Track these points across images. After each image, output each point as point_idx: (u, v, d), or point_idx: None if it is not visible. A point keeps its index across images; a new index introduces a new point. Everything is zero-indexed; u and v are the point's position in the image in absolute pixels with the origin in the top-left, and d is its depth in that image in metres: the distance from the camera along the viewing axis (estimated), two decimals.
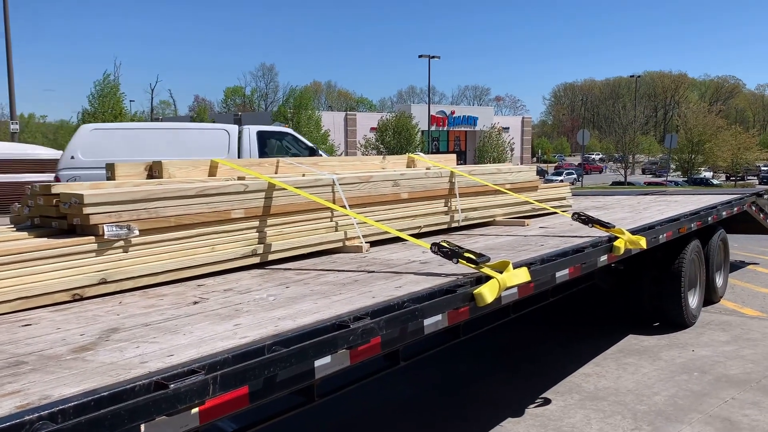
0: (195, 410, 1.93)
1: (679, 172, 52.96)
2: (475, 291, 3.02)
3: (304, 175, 4.45)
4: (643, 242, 4.70)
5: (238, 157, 11.11)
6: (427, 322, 2.84)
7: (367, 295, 2.90)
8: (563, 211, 5.95)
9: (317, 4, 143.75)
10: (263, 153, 11.55)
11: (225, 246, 3.61)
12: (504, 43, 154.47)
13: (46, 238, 3.06)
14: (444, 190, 5.19)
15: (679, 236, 5.84)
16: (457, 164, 6.23)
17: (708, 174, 53.61)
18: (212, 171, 4.36)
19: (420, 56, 46.39)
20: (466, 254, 3.25)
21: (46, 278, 2.87)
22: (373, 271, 3.50)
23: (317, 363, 2.34)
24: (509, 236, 4.85)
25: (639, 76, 77.74)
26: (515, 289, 3.38)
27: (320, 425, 4.36)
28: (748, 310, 7.31)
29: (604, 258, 4.43)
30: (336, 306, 2.69)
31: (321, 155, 11.94)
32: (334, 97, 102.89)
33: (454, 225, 5.21)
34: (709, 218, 6.64)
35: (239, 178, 4.05)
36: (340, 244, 4.24)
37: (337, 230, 4.26)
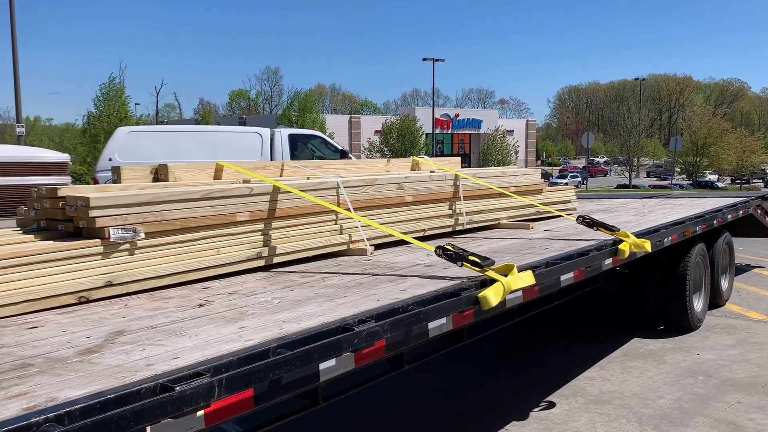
0: (200, 413, 1.93)
1: (683, 175, 52.82)
2: (480, 294, 3.02)
3: (308, 178, 4.46)
4: (648, 245, 4.70)
5: (271, 159, 11.34)
6: (431, 325, 2.84)
7: (371, 298, 2.90)
8: (568, 214, 5.94)
9: (322, 7, 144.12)
10: (294, 155, 11.80)
11: (230, 249, 3.61)
12: (508, 45, 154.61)
13: (52, 241, 3.07)
14: (448, 193, 5.19)
15: (684, 239, 5.83)
16: (462, 167, 6.24)
17: (713, 177, 53.45)
18: (217, 174, 4.37)
19: (424, 59, 46.47)
20: (471, 257, 3.25)
21: (52, 281, 2.88)
22: (377, 274, 3.50)
23: (322, 366, 2.35)
24: (514, 239, 4.85)
25: (644, 79, 77.67)
26: (520, 293, 3.38)
27: (325, 428, 4.36)
28: (753, 314, 7.29)
29: (608, 261, 4.42)
30: (341, 309, 2.70)
31: (351, 158, 12.07)
32: (339, 100, 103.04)
33: (458, 228, 5.21)
34: (715, 221, 6.63)
35: (244, 182, 4.06)
36: (344, 247, 4.24)
37: (341, 233, 4.27)
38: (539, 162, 77.21)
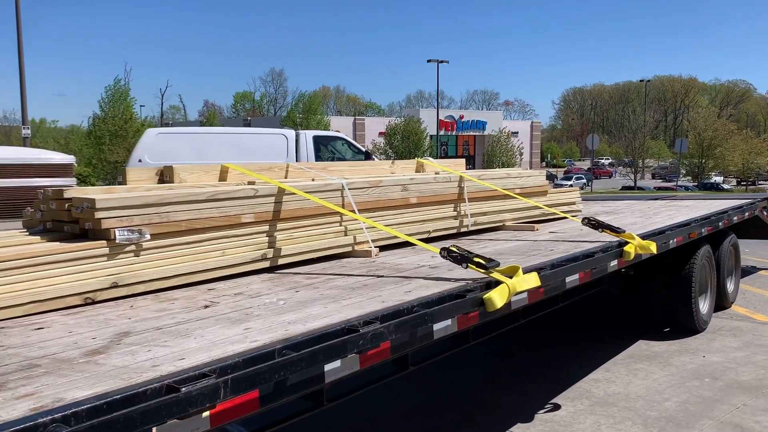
0: (206, 414, 1.94)
1: (689, 177, 52.69)
2: (485, 296, 3.02)
3: (313, 180, 4.46)
4: (653, 247, 4.69)
5: (297, 160, 11.54)
6: (436, 326, 2.84)
7: (376, 299, 2.90)
8: (573, 216, 5.94)
9: (326, 9, 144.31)
10: (318, 156, 12.03)
11: (235, 250, 3.62)
12: (513, 47, 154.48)
13: (58, 242, 3.08)
14: (453, 194, 5.19)
15: (689, 241, 5.82)
16: (466, 169, 6.23)
17: (718, 179, 53.29)
18: (222, 176, 4.38)
19: (429, 61, 46.53)
20: (476, 259, 3.25)
21: (58, 282, 2.89)
22: (382, 276, 3.50)
23: (327, 367, 2.35)
24: (519, 241, 4.84)
25: (649, 81, 77.58)
26: (525, 294, 3.37)
27: (330, 429, 4.36)
28: (759, 316, 7.26)
29: (614, 263, 4.42)
30: (346, 310, 2.70)
31: (374, 159, 12.22)
32: (343, 102, 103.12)
33: (463, 230, 5.21)
34: (720, 223, 6.61)
35: (249, 183, 4.07)
36: (349, 249, 4.25)
37: (346, 235, 4.27)
38: (544, 164, 77.13)
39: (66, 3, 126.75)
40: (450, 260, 3.38)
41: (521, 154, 50.65)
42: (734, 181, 54.91)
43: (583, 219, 4.98)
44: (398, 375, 3.21)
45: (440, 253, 3.42)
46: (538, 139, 65.89)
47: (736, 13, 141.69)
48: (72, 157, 10.39)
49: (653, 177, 66.96)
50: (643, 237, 4.77)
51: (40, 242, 3.10)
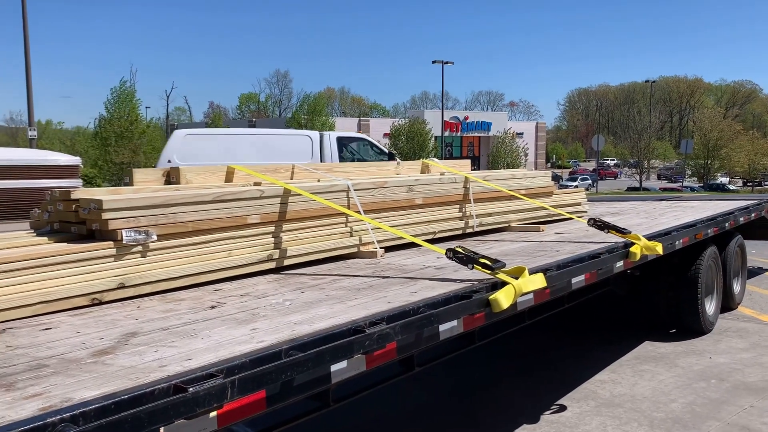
0: (213, 414, 1.94)
1: (694, 178, 52.52)
2: (491, 297, 3.02)
3: (319, 181, 4.47)
4: (659, 248, 4.68)
5: (321, 161, 11.78)
6: (442, 327, 2.84)
7: (382, 300, 2.90)
8: (579, 217, 5.92)
9: (331, 11, 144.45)
10: (341, 157, 12.26)
11: (241, 251, 3.63)
12: (518, 48, 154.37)
13: (65, 243, 3.10)
14: (458, 195, 5.19)
15: (695, 242, 5.80)
16: (471, 170, 6.23)
17: (724, 179, 53.10)
18: (228, 177, 4.39)
19: (433, 62, 46.65)
20: (482, 260, 3.25)
21: (65, 283, 2.91)
22: (388, 277, 3.50)
23: (333, 368, 2.35)
24: (524, 242, 4.84)
25: (654, 81, 77.37)
26: (531, 295, 3.37)
27: (336, 430, 4.36)
28: (766, 317, 7.23)
29: (620, 264, 4.41)
30: (352, 311, 2.70)
31: (397, 160, 12.35)
32: (348, 103, 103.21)
33: (468, 231, 5.21)
34: (726, 224, 6.59)
35: (255, 184, 4.08)
36: (354, 250, 4.25)
37: (351, 235, 4.27)
38: (549, 164, 76.98)
39: (71, 4, 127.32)
40: (456, 261, 3.38)
41: (526, 155, 50.56)
42: (740, 182, 54.71)
43: (589, 220, 4.97)
44: (404, 376, 3.21)
45: (446, 253, 3.42)
46: (543, 140, 65.81)
47: (741, 13, 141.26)
48: (78, 158, 10.43)
49: (659, 178, 66.78)
50: (649, 238, 4.76)
51: (48, 243, 3.11)
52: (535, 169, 48.26)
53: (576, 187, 29.55)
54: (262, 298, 3.06)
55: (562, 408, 4.70)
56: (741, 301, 7.69)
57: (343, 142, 12.72)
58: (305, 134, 12.81)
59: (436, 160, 6.30)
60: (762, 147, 49.42)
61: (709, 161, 50.27)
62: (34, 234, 3.38)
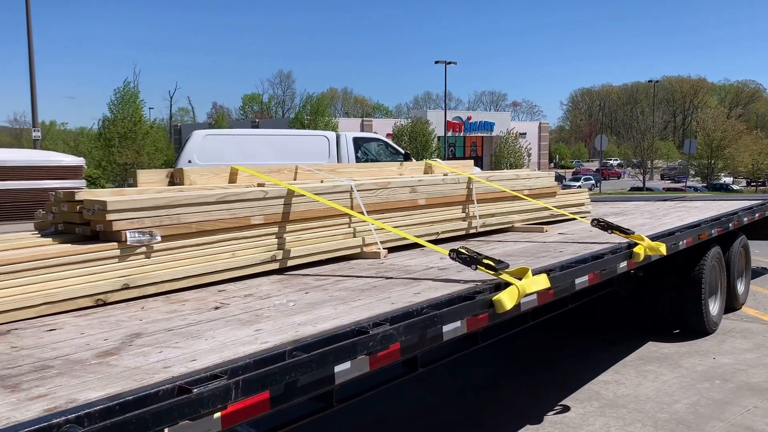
0: (217, 415, 1.95)
1: (698, 178, 52.41)
2: (495, 298, 3.02)
3: (322, 182, 4.48)
4: (662, 249, 4.67)
5: (338, 161, 11.97)
6: (446, 328, 2.84)
7: (386, 301, 2.91)
8: (582, 217, 5.92)
9: (333, 11, 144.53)
10: (357, 157, 12.44)
11: (245, 252, 3.64)
12: (521, 48, 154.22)
13: (69, 244, 3.10)
14: (462, 196, 5.19)
15: (699, 242, 5.79)
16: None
17: (728, 179, 52.99)
18: (232, 177, 4.40)
19: (436, 62, 46.50)
20: (485, 261, 3.25)
21: (69, 284, 2.92)
22: (391, 277, 3.51)
23: (337, 369, 2.35)
24: (528, 242, 4.84)
25: (657, 81, 77.24)
26: (534, 296, 3.37)
27: (340, 430, 4.37)
28: None
29: (623, 264, 4.40)
30: (355, 312, 2.71)
31: (412, 160, 12.51)
32: (351, 104, 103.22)
33: (472, 231, 5.21)
34: (730, 224, 6.57)
35: (259, 185, 4.09)
36: (358, 250, 4.25)
37: (355, 236, 4.28)
38: (552, 165, 76.92)
39: (75, 5, 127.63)
40: (459, 262, 3.38)
41: (529, 155, 50.53)
42: (744, 182, 54.60)
43: (592, 220, 4.96)
44: (408, 376, 3.21)
45: (449, 254, 3.42)
46: (546, 140, 65.75)
47: (744, 12, 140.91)
48: (82, 159, 10.46)
49: (662, 178, 66.69)
50: (653, 238, 4.75)
51: (52, 244, 3.12)
52: (538, 169, 48.19)
53: (579, 187, 29.50)
54: (266, 298, 3.06)
55: (566, 408, 4.69)
56: (745, 302, 7.67)
57: (359, 143, 12.90)
58: (322, 135, 12.97)
59: (439, 160, 6.31)
60: (766, 147, 49.30)
61: (712, 161, 50.17)
62: (39, 235, 3.39)
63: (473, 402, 4.98)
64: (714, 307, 6.57)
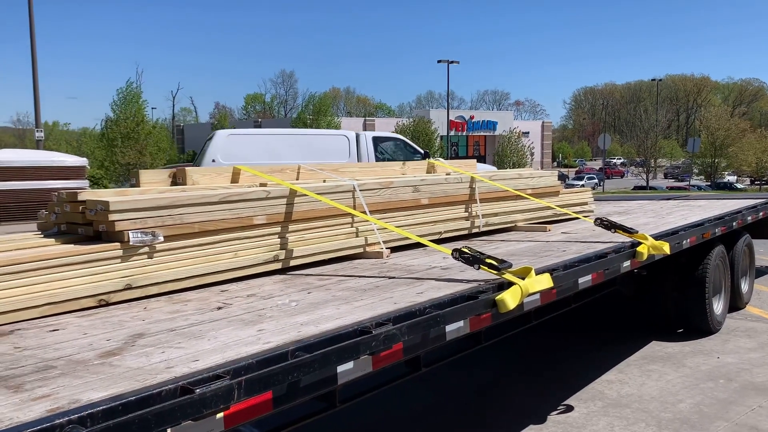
0: (220, 415, 1.94)
1: (702, 177, 52.29)
2: (498, 297, 3.01)
3: (325, 181, 4.47)
4: (666, 248, 4.66)
5: (358, 160, 12.13)
6: (449, 328, 2.83)
7: (388, 300, 2.90)
8: (585, 217, 5.91)
9: (335, 10, 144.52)
10: (377, 156, 12.60)
11: (247, 252, 3.63)
12: (523, 47, 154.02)
13: (72, 245, 3.11)
14: (464, 195, 5.18)
15: (703, 241, 5.77)
16: (477, 169, 6.21)
17: (732, 178, 52.84)
18: (234, 177, 4.40)
19: (439, 61, 46.45)
20: (488, 260, 3.24)
21: (72, 284, 2.92)
22: (394, 277, 3.50)
23: (340, 368, 2.35)
24: (531, 242, 4.83)
25: (660, 80, 76.99)
26: (538, 296, 3.36)
27: (343, 430, 4.36)
28: None
29: (627, 264, 4.39)
30: (358, 312, 2.70)
31: (430, 158, 12.62)
32: (353, 103, 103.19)
33: (474, 230, 5.20)
34: (734, 223, 6.56)
35: (261, 185, 4.08)
36: (360, 250, 4.25)
37: (357, 236, 4.27)
38: (555, 164, 76.83)
39: (77, 4, 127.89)
40: (462, 261, 3.37)
41: (532, 154, 50.48)
42: (748, 181, 54.44)
43: (596, 219, 4.95)
44: (410, 376, 3.21)
45: (452, 254, 3.42)
46: (549, 139, 65.68)
47: (748, 10, 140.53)
48: (85, 159, 10.48)
49: (666, 177, 66.53)
50: (656, 237, 4.74)
51: (55, 244, 3.12)
52: (541, 168, 48.19)
53: (582, 186, 29.46)
54: (269, 298, 3.06)
55: (569, 408, 4.68)
56: (749, 301, 7.65)
57: (378, 142, 13.08)
58: (342, 134, 13.17)
59: (441, 159, 6.30)
60: None
61: (716, 160, 50.04)
62: (42, 235, 3.40)
63: (476, 402, 4.98)
64: (718, 306, 6.55)
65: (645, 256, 4.43)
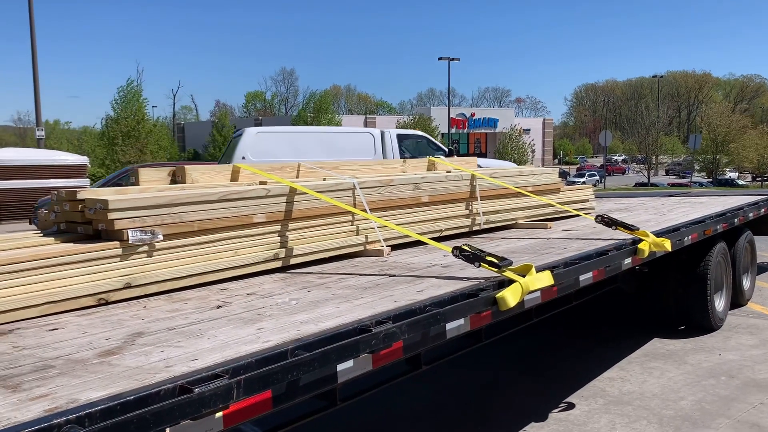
0: (219, 414, 1.94)
1: (703, 173, 52.23)
2: (498, 295, 3.00)
3: (325, 179, 4.46)
4: (667, 245, 4.64)
5: (383, 157, 12.32)
6: (449, 326, 2.83)
7: (388, 299, 2.89)
8: (586, 214, 5.89)
9: (336, 8, 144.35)
10: (402, 153, 12.77)
11: (247, 250, 3.63)
12: (524, 44, 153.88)
13: (72, 243, 3.10)
14: (465, 193, 5.17)
15: (704, 238, 5.76)
16: (478, 167, 6.20)
17: (733, 174, 52.79)
18: (234, 176, 4.39)
19: (440, 59, 46.41)
20: (488, 258, 3.23)
21: (72, 283, 2.91)
22: (394, 275, 3.49)
23: (340, 367, 2.34)
24: (531, 239, 4.82)
25: (662, 77, 76.85)
26: (538, 293, 3.35)
27: (343, 429, 4.36)
28: None
29: (628, 261, 4.38)
30: (358, 310, 2.69)
31: (455, 156, 12.75)
32: (354, 101, 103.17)
33: (475, 228, 5.19)
34: (736, 220, 6.54)
35: (261, 183, 4.07)
36: (361, 248, 4.24)
37: (358, 234, 4.26)
38: (556, 161, 76.77)
39: (77, 3, 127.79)
40: (462, 259, 3.36)
41: (533, 151, 50.47)
42: (749, 177, 54.37)
43: (597, 216, 4.94)
44: (411, 374, 3.20)
45: (452, 252, 3.41)
46: (550, 136, 65.66)
47: (749, 7, 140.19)
48: (85, 158, 10.49)
49: (667, 173, 66.49)
50: (658, 234, 4.72)
51: (54, 243, 3.12)
52: (542, 165, 48.14)
53: (583, 183, 29.46)
54: (268, 297, 3.06)
55: (571, 406, 4.68)
56: (751, 298, 7.63)
57: (402, 139, 13.26)
58: (368, 132, 13.39)
59: (442, 157, 6.28)
60: None
61: (717, 156, 49.99)
62: (41, 234, 3.39)
63: (477, 400, 4.97)
64: (719, 303, 6.53)
65: (646, 254, 4.42)
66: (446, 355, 3.47)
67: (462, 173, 5.25)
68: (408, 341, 2.63)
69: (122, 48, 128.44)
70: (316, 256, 3.97)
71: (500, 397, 4.99)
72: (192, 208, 3.41)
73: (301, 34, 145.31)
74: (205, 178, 4.20)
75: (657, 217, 6.24)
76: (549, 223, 5.50)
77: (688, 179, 49.33)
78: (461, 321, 2.89)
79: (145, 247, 3.19)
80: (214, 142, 49.23)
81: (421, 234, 4.26)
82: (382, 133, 13.00)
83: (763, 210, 7.49)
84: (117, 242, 3.10)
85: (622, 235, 4.60)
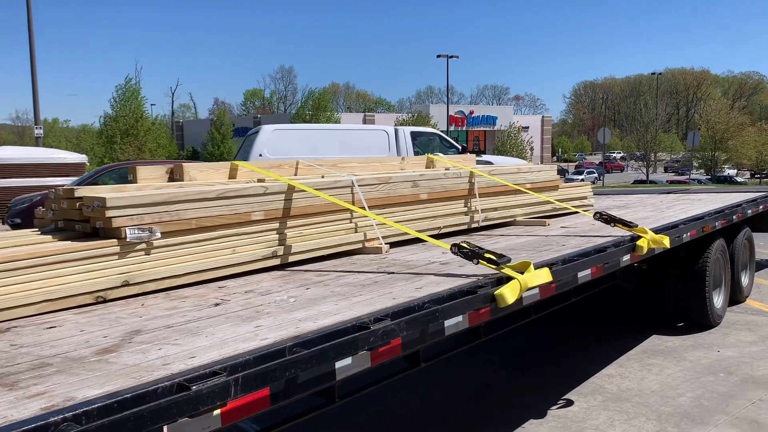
0: (217, 412, 1.93)
1: (702, 170, 52.26)
2: (496, 292, 3.00)
3: (323, 177, 4.46)
4: (666, 241, 4.64)
5: (397, 154, 12.41)
6: (447, 323, 2.82)
7: (387, 296, 2.89)
8: (585, 211, 5.89)
9: (335, 6, 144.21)
10: (415, 151, 12.97)
11: (245, 248, 3.62)
12: (523, 41, 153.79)
13: (69, 241, 3.09)
14: (464, 190, 5.17)
15: (703, 235, 5.76)
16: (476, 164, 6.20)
17: (732, 172, 52.83)
18: (232, 173, 4.38)
19: (438, 56, 46.37)
20: (487, 255, 3.23)
21: (69, 281, 2.91)
22: (393, 272, 3.49)
23: (338, 364, 2.34)
24: (530, 236, 4.81)
25: (660, 74, 76.89)
26: (537, 290, 3.35)
27: (341, 426, 4.36)
28: None
29: (626, 258, 4.38)
30: (356, 307, 2.69)
31: (468, 153, 12.89)
32: (353, 99, 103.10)
33: (473, 225, 5.19)
34: (734, 216, 6.54)
35: (259, 181, 4.07)
36: (359, 246, 4.24)
37: (356, 231, 4.26)
38: (555, 158, 76.78)
39: (76, 2, 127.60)
40: (461, 256, 3.36)
41: (532, 148, 50.48)
42: (748, 174, 54.41)
43: (595, 213, 4.94)
44: (409, 371, 3.20)
45: (451, 249, 3.41)
46: (548, 134, 65.68)
47: (748, 4, 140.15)
48: (84, 156, 10.48)
49: (665, 170, 66.53)
50: (656, 231, 4.72)
51: (52, 241, 3.11)
52: (541, 162, 48.16)
53: (582, 180, 29.45)
54: (267, 295, 3.05)
55: (569, 402, 4.68)
56: (749, 294, 7.64)
57: (415, 136, 13.43)
58: (382, 129, 13.65)
59: (441, 154, 6.28)
60: None
61: (716, 153, 50.02)
62: (39, 232, 3.38)
63: (476, 396, 4.97)
64: (718, 299, 6.54)
65: (645, 250, 4.42)
66: (445, 352, 3.48)
67: (461, 170, 5.25)
68: (406, 338, 2.63)
69: (121, 46, 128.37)
70: (315, 254, 3.97)
71: (499, 394, 4.99)
72: (190, 205, 3.41)
73: (299, 31, 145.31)
74: (203, 176, 4.19)
75: (655, 214, 6.24)
76: (547, 221, 5.50)
77: (687, 176, 49.37)
78: (460, 318, 2.89)
79: (143, 245, 3.18)
80: (213, 140, 49.25)
81: (419, 231, 4.26)
82: (396, 131, 13.20)
83: (761, 207, 7.49)
84: (115, 240, 3.09)
85: (621, 232, 4.60)
